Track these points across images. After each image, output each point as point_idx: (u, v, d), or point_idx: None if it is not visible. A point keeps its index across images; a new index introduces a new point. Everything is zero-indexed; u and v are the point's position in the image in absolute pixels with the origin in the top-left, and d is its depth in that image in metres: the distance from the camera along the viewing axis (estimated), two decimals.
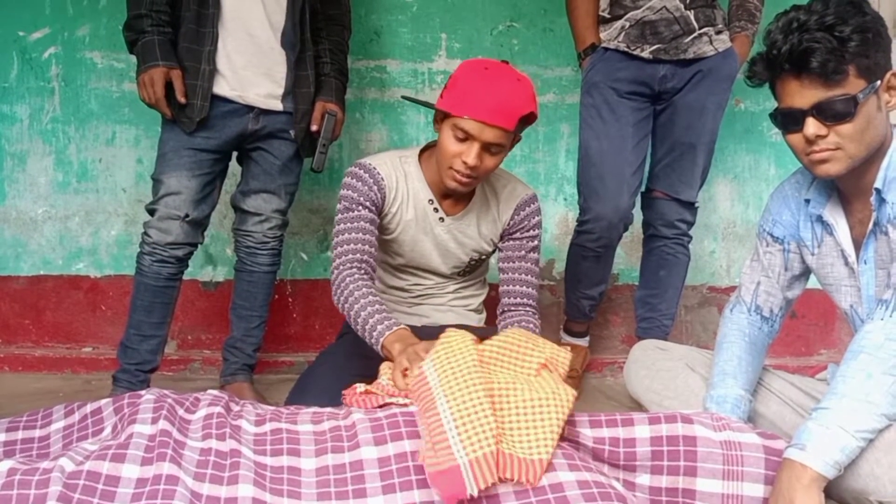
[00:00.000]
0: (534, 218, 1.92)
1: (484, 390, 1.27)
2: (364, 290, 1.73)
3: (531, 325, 1.86)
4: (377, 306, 1.70)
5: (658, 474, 1.32)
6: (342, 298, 1.75)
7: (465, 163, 1.68)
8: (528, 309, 1.90)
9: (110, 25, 2.65)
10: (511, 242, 1.92)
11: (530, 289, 1.90)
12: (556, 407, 1.30)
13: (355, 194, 1.81)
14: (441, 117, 1.74)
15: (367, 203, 1.81)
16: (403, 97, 1.91)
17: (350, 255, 1.78)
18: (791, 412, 1.61)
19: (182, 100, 1.98)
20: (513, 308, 1.90)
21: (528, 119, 1.72)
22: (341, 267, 1.78)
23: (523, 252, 1.91)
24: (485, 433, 1.21)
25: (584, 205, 2.32)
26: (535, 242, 1.92)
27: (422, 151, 1.90)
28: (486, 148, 1.69)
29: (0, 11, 2.67)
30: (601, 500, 1.20)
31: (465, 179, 1.72)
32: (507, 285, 1.91)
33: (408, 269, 1.97)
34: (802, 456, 1.24)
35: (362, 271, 1.77)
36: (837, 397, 1.28)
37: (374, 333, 1.66)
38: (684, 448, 1.32)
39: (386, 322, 1.66)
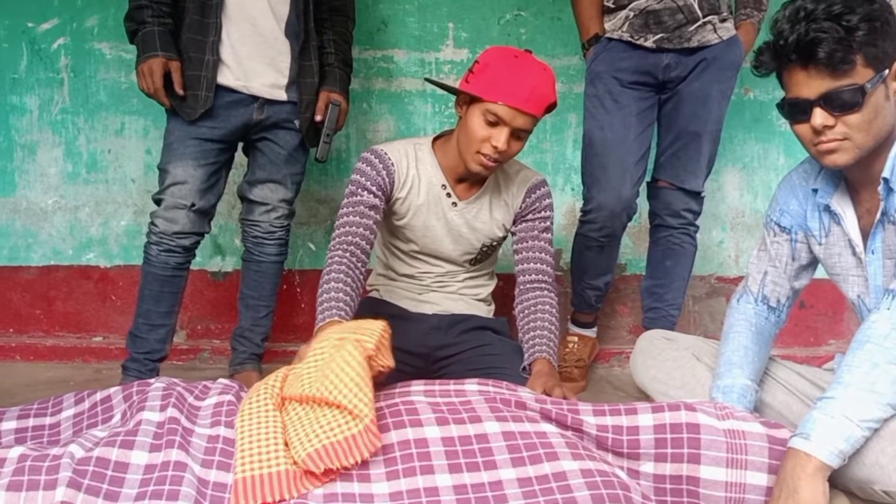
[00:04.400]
0: (545, 200, 1.96)
1: (271, 411, 1.31)
2: (333, 274, 1.75)
3: (548, 305, 1.89)
4: (332, 294, 1.72)
5: (662, 462, 1.33)
6: (321, 281, 1.78)
7: (494, 147, 1.73)
8: (544, 286, 1.92)
9: (118, 16, 2.62)
10: (524, 224, 1.96)
11: (545, 266, 1.93)
12: (342, 372, 1.29)
13: (362, 178, 1.85)
14: (467, 101, 1.77)
15: (373, 188, 1.84)
16: (427, 79, 1.95)
17: (341, 238, 1.81)
18: (798, 402, 1.61)
19: (180, 92, 1.99)
20: (529, 287, 1.92)
21: (550, 107, 1.78)
22: (331, 250, 1.82)
23: (536, 232, 1.95)
24: (246, 457, 1.25)
25: (587, 194, 2.32)
26: (548, 223, 1.96)
27: (436, 139, 1.94)
28: (515, 133, 1.75)
29: (9, 3, 2.68)
30: (604, 489, 1.20)
31: (491, 163, 1.77)
32: (523, 264, 1.94)
33: (419, 255, 1.99)
34: (807, 445, 1.24)
35: (348, 253, 1.80)
36: (843, 387, 1.28)
37: (316, 323, 1.69)
38: (688, 435, 1.32)
39: (326, 313, 1.68)
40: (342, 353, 1.32)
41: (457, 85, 1.83)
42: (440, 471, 1.25)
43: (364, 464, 1.25)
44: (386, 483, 1.23)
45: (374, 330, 1.43)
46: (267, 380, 1.43)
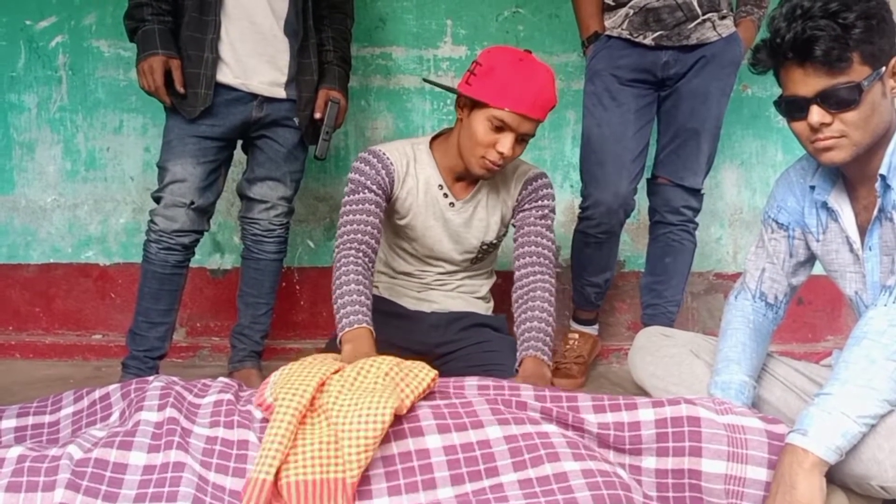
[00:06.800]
0: (543, 190, 1.94)
1: (292, 416, 1.26)
2: (352, 275, 1.74)
3: (539, 290, 1.83)
4: (354, 296, 1.71)
5: (664, 456, 1.32)
6: (333, 280, 1.77)
7: (500, 153, 1.72)
8: (538, 268, 1.87)
9: (116, 14, 2.65)
10: (522, 214, 1.94)
11: (541, 248, 1.90)
12: (363, 423, 1.24)
13: (362, 178, 1.83)
14: (470, 104, 1.75)
15: (374, 186, 1.83)
16: (425, 80, 1.94)
17: (350, 236, 1.80)
18: (795, 398, 1.61)
19: (181, 90, 1.99)
20: (525, 272, 1.87)
21: (551, 109, 1.77)
22: (340, 247, 1.81)
23: (532, 219, 1.93)
24: (264, 460, 1.21)
25: (584, 191, 2.33)
26: (545, 211, 1.94)
27: (433, 138, 1.93)
28: (519, 138, 1.73)
29: (7, 1, 2.68)
30: (605, 489, 1.21)
31: (495, 168, 1.77)
32: (520, 249, 1.91)
33: (419, 256, 1.98)
34: (804, 441, 1.24)
35: (360, 252, 1.79)
36: (840, 383, 1.28)
37: (339, 325, 1.69)
38: (689, 429, 1.32)
39: (352, 317, 1.68)
40: (381, 401, 1.26)
41: (454, 84, 1.82)
42: (442, 483, 1.24)
43: (366, 479, 1.24)
44: (388, 499, 1.23)
45: (423, 380, 1.38)
46: (304, 371, 1.37)
